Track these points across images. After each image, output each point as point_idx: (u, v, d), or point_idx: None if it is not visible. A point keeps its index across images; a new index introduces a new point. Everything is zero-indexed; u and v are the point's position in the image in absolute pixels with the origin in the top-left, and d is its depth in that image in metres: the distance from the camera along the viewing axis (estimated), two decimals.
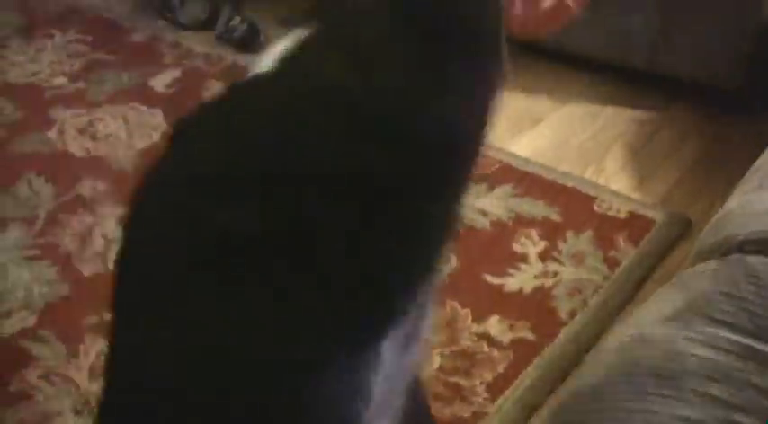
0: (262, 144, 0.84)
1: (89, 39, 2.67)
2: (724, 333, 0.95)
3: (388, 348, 0.84)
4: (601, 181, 2.20)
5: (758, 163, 1.34)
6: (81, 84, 2.45)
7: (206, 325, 0.79)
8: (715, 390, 0.87)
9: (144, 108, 2.38)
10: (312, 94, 0.85)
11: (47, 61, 2.56)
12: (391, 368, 0.86)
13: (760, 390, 0.87)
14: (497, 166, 2.21)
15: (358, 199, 0.82)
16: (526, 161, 2.26)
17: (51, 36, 2.70)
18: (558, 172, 2.22)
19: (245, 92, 0.89)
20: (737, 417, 0.84)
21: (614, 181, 2.20)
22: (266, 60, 0.88)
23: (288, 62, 0.87)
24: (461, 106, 0.90)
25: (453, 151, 0.89)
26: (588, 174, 2.22)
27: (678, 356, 0.93)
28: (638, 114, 2.44)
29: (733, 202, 1.26)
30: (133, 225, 0.88)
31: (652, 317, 1.03)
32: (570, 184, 2.18)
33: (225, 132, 0.86)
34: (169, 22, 2.78)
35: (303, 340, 0.79)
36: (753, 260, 1.09)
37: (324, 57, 0.87)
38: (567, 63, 2.61)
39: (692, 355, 0.92)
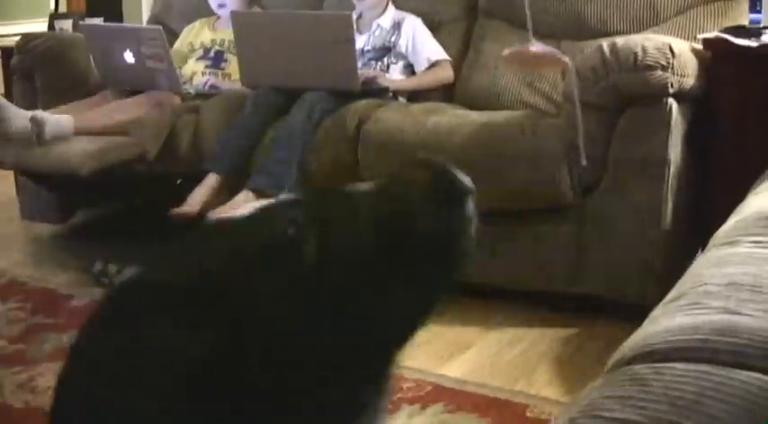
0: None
1: (29, 306, 2.75)
2: None
3: None
4: (532, 392, 2.24)
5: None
6: (20, 346, 2.50)
7: None
8: None
9: None
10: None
11: None
12: None
13: None
14: (430, 388, 2.25)
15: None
16: (457, 381, 2.30)
17: None
18: (490, 387, 2.26)
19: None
20: None
21: (545, 389, 2.24)
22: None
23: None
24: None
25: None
26: (519, 387, 2.27)
27: None
28: (564, 332, 2.54)
29: None
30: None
31: None
32: (502, 396, 2.21)
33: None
34: (108, 289, 2.87)
35: None
36: (639, 367, 1.15)
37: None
38: (493, 294, 2.74)
39: None
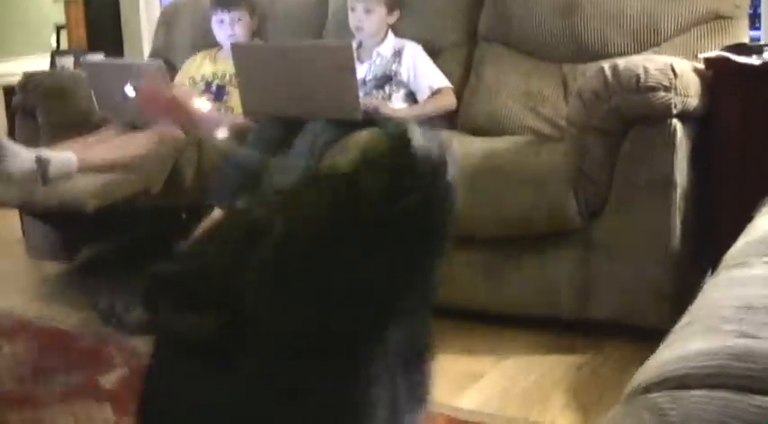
0: None
1: (36, 346, 2.74)
2: None
3: None
4: (547, 420, 2.21)
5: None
6: (29, 388, 2.48)
7: None
8: None
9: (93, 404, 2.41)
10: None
11: None
12: None
13: None
14: (443, 421, 2.23)
15: None
16: (471, 412, 2.28)
17: None
18: (504, 418, 2.24)
19: None
20: None
21: (560, 418, 2.22)
22: None
23: None
24: None
25: None
26: (534, 416, 2.24)
27: None
28: (576, 359, 2.52)
29: None
30: None
31: None
32: None
33: None
34: (116, 328, 2.87)
35: None
36: (655, 396, 1.13)
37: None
38: (503, 322, 2.72)
39: None
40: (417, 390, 1.12)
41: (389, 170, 1.04)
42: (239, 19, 3.73)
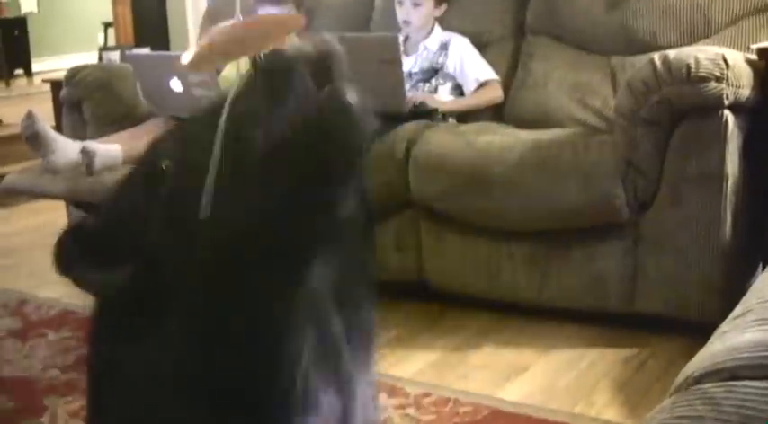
0: None
1: (81, 335, 2.75)
2: None
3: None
4: (592, 414, 2.18)
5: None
6: (73, 375, 2.50)
7: None
8: None
9: None
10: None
11: (40, 357, 2.63)
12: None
13: None
14: (487, 412, 2.20)
15: None
16: (515, 404, 2.25)
17: (44, 335, 2.79)
18: (548, 410, 2.21)
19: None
20: None
21: (605, 412, 2.18)
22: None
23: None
24: None
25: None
26: (578, 410, 2.21)
27: None
28: (621, 353, 2.48)
29: None
30: None
31: None
32: (561, 420, 2.16)
33: None
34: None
35: None
36: (708, 386, 1.10)
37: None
38: (548, 314, 2.69)
39: None
40: (359, 327, 1.08)
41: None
42: (287, 13, 3.72)
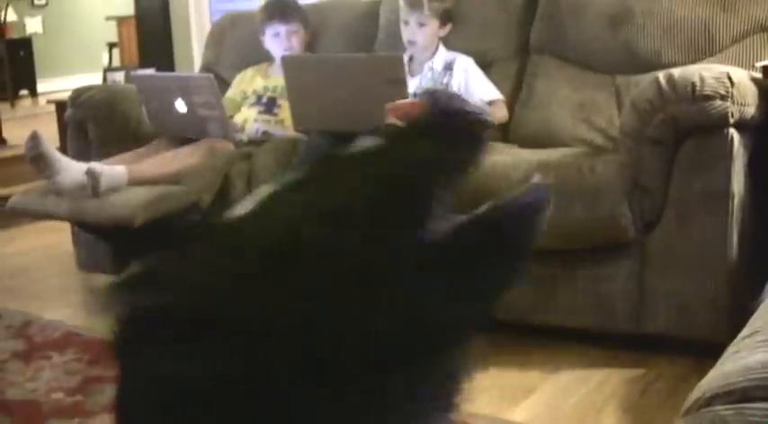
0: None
1: (86, 358, 2.75)
2: None
3: None
4: None
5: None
6: (78, 397, 2.49)
7: None
8: None
9: None
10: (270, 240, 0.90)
11: (45, 379, 2.61)
12: None
13: None
14: None
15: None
16: None
17: (49, 357, 2.78)
18: None
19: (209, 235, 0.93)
20: None
21: None
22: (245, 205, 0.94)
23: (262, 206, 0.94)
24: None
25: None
26: None
27: None
28: (628, 373, 2.47)
29: None
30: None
31: None
32: None
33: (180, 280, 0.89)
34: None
35: None
36: (719, 409, 1.09)
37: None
38: (554, 335, 2.68)
39: None
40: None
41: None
42: (295, 31, 3.73)
